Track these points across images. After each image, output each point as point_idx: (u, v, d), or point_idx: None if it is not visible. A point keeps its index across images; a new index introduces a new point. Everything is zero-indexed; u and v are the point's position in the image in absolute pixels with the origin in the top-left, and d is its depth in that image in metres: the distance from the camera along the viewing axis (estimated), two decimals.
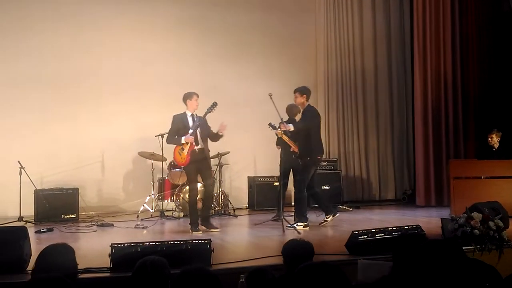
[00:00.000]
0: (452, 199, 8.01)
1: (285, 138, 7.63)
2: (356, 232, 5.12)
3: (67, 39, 9.18)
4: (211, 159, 8.06)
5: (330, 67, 10.40)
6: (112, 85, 9.31)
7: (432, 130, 9.70)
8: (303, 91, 7.51)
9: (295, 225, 7.11)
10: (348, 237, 5.19)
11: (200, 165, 7.06)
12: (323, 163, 9.64)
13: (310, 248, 3.67)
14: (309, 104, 7.53)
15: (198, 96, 7.10)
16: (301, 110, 7.57)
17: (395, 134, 10.76)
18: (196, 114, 7.10)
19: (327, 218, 7.35)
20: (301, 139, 7.41)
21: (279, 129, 7.31)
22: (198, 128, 7.00)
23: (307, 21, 10.50)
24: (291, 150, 7.77)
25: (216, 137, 7.16)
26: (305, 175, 7.32)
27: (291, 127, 7.25)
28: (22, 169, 7.95)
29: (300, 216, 7.22)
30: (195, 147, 6.96)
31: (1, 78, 8.89)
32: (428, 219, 7.61)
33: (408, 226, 5.45)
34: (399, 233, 5.24)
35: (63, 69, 9.10)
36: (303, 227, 7.08)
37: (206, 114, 7.03)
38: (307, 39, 10.50)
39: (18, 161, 7.92)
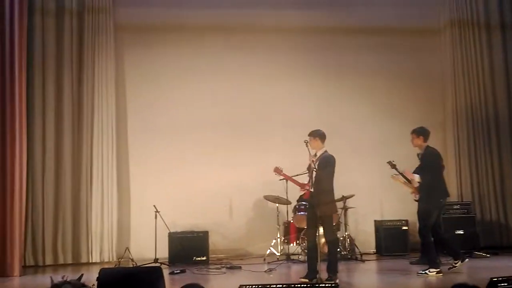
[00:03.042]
0: None
1: (400, 180, 7.42)
2: (495, 279, 4.74)
3: (196, 86, 9.73)
4: (338, 202, 8.01)
5: (459, 105, 9.92)
6: (237, 130, 9.68)
7: None
8: (419, 132, 7.29)
9: (427, 271, 6.79)
10: (486, 285, 4.82)
11: (315, 210, 6.56)
12: (455, 207, 9.16)
13: None
14: (428, 145, 7.28)
15: (311, 137, 6.73)
16: (421, 153, 7.31)
17: None
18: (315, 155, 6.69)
19: (455, 263, 6.94)
20: (421, 182, 7.15)
21: (396, 175, 7.30)
22: (314, 171, 6.61)
23: (432, 60, 10.22)
24: (411, 193, 7.49)
25: None
26: (427, 220, 7.02)
27: (415, 178, 7.04)
28: (157, 213, 8.40)
29: (432, 263, 6.89)
30: (310, 190, 6.67)
31: (139, 125, 9.61)
32: None
33: None
34: None
35: (192, 117, 9.63)
36: (436, 273, 6.73)
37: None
38: (433, 78, 10.18)
39: (154, 205, 8.41)
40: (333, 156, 6.66)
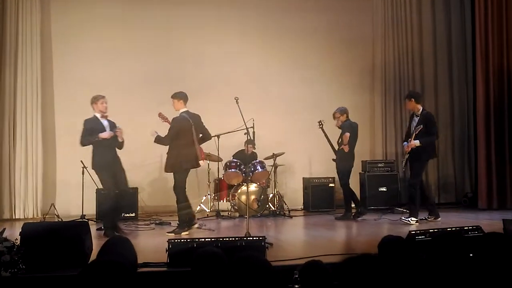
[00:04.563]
0: None
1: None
2: (413, 232, 5.01)
3: (127, 37, 9.50)
4: (267, 160, 8.22)
5: (387, 66, 10.22)
6: (168, 88, 9.50)
7: (494, 131, 9.35)
8: (410, 95, 7.62)
9: (409, 219, 7.46)
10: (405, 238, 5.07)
11: None
12: (379, 165, 9.52)
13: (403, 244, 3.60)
14: (423, 108, 7.59)
15: (173, 99, 7.13)
16: (418, 115, 7.48)
17: (456, 135, 10.44)
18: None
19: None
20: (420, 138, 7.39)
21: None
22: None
23: (364, 21, 10.38)
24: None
25: None
26: (421, 175, 7.55)
27: (416, 143, 7.29)
28: (84, 169, 8.19)
29: (415, 213, 7.51)
30: None
31: (66, 76, 9.28)
32: (490, 222, 7.37)
33: (468, 227, 5.27)
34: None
35: (121, 70, 9.41)
36: (416, 221, 7.43)
37: None
38: (363, 39, 10.36)
39: (81, 161, 8.19)
40: (181, 118, 6.94)
